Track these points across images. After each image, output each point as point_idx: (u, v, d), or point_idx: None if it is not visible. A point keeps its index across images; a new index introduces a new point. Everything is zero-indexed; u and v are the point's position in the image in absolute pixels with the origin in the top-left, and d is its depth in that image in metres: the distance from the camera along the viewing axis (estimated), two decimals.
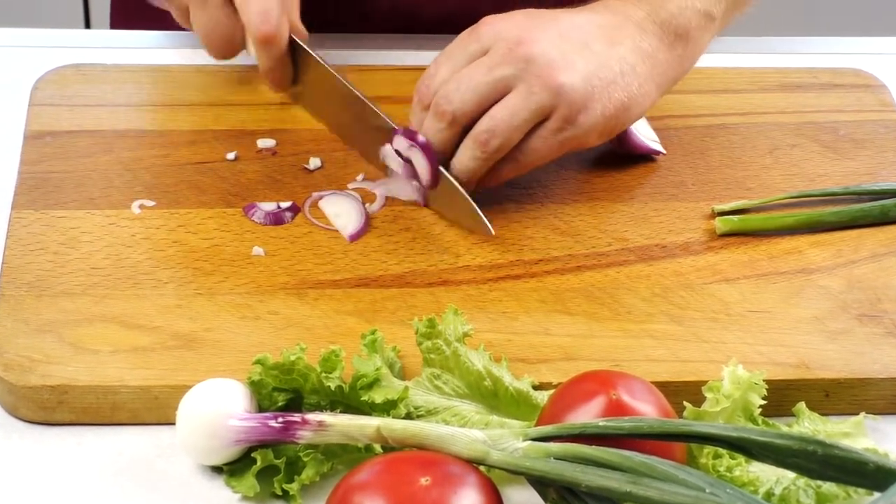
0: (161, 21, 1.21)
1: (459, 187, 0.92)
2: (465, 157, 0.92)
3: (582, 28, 0.92)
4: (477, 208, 0.91)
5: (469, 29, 0.93)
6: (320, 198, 0.95)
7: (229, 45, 0.97)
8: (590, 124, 0.91)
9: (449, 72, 0.92)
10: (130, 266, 0.89)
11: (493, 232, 0.91)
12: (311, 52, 0.97)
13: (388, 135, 0.95)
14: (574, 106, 0.90)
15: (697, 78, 1.13)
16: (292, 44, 0.97)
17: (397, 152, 0.94)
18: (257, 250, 0.91)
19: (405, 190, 0.96)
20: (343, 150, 1.01)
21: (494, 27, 0.92)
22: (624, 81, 0.92)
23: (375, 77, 1.07)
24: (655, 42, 0.94)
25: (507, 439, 0.72)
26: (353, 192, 0.96)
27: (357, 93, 0.96)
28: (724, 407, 0.78)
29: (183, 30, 0.97)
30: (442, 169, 0.92)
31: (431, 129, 0.92)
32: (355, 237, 0.93)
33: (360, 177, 0.98)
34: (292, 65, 0.98)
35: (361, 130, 0.98)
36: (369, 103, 0.95)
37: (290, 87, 1.00)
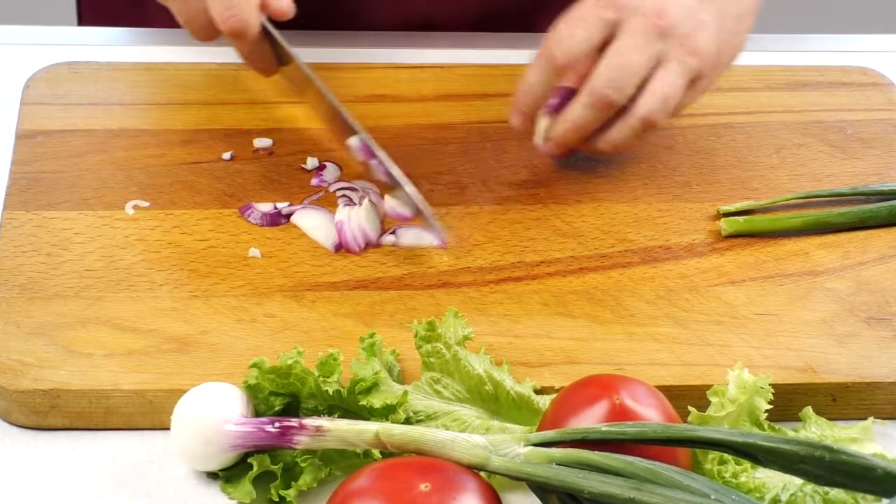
0: (130, 15, 1.21)
1: (415, 193, 0.92)
2: (621, 135, 0.94)
3: None
4: (430, 215, 0.92)
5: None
6: (291, 212, 0.95)
7: (209, 30, 0.97)
8: (720, 73, 0.97)
9: (585, 39, 0.92)
10: (124, 268, 0.89)
11: (445, 242, 0.92)
12: (282, 42, 0.97)
13: (350, 131, 0.96)
14: (714, 65, 0.95)
15: None
16: (267, 29, 0.97)
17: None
18: (254, 252, 0.91)
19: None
20: (341, 149, 1.01)
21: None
22: (737, 27, 0.97)
23: (373, 74, 1.07)
24: None
25: (509, 444, 0.72)
26: (320, 207, 0.96)
27: (323, 89, 0.97)
28: (729, 411, 0.78)
29: (175, 26, 0.97)
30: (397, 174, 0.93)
31: (590, 116, 0.93)
32: (339, 248, 0.92)
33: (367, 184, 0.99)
34: (272, 48, 0.98)
35: (334, 119, 0.99)
36: (333, 101, 0.96)
37: (275, 70, 1.00)
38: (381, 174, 0.94)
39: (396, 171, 0.93)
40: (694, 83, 0.95)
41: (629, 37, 0.92)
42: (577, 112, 0.93)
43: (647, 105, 0.93)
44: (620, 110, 0.93)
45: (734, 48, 0.98)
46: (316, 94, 0.98)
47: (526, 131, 0.96)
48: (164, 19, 1.01)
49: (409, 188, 0.92)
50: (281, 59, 0.99)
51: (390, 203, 0.94)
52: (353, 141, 0.96)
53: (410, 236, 0.93)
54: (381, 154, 0.93)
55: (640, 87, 0.92)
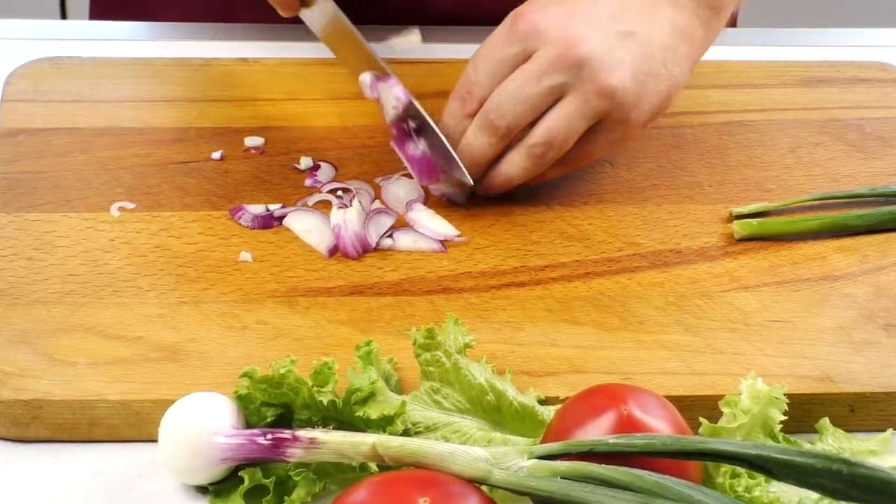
0: (143, 11, 1.21)
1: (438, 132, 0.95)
2: (516, 167, 0.94)
3: (620, 13, 0.93)
4: (454, 154, 0.94)
5: (505, 26, 0.94)
6: (284, 214, 0.95)
7: None
8: (641, 121, 0.94)
9: (490, 77, 0.93)
10: (109, 272, 0.89)
11: (470, 182, 0.94)
12: None
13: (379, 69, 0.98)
14: (627, 107, 0.92)
15: (714, 72, 1.13)
16: None
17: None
18: (244, 255, 0.91)
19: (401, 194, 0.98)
20: (336, 148, 1.01)
21: (534, 25, 0.92)
22: (667, 71, 0.94)
23: None
24: (691, 19, 0.95)
25: (511, 457, 0.72)
26: (314, 209, 0.96)
27: (356, 33, 0.99)
28: (742, 423, 0.78)
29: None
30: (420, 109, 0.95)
31: (479, 142, 0.94)
32: (333, 252, 0.93)
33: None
34: None
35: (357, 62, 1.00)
36: (365, 45, 0.99)
37: (296, 8, 1.01)
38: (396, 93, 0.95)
39: (421, 110, 0.95)
40: (604, 127, 0.93)
41: (531, 64, 0.92)
42: (469, 138, 0.94)
43: (532, 137, 0.92)
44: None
45: (658, 95, 0.93)
46: (340, 31, 1.00)
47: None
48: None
49: (434, 125, 0.94)
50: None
51: (413, 150, 0.94)
52: (365, 77, 0.97)
53: (408, 239, 0.94)
54: (399, 91, 0.95)
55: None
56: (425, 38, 1.11)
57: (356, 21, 1.00)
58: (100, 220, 0.93)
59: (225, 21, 1.18)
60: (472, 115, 0.94)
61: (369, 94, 0.98)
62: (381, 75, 0.98)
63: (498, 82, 0.93)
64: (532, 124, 0.93)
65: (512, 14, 0.94)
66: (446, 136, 0.95)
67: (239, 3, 1.20)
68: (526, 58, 0.92)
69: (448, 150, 0.94)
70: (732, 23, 1.33)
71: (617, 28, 0.92)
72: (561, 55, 0.90)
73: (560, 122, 0.92)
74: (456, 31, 1.15)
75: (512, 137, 0.93)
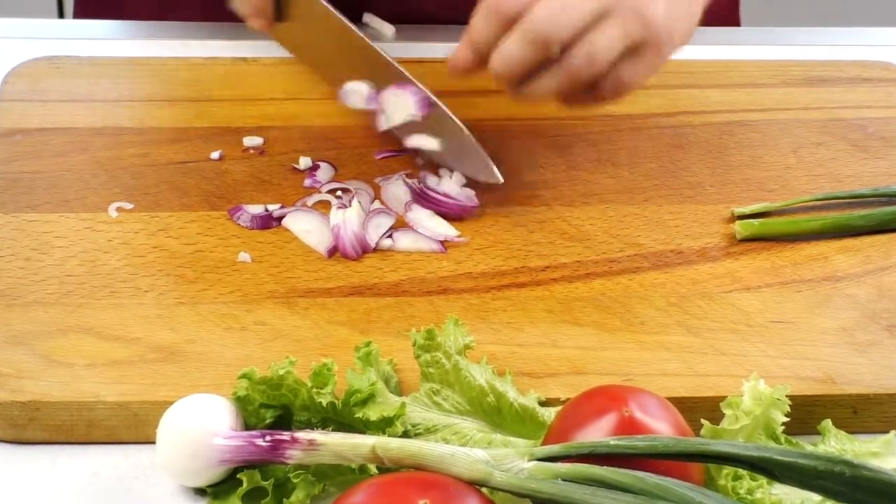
0: (121, 11, 1.21)
1: (458, 121, 0.94)
2: (550, 83, 0.92)
3: None
4: (481, 149, 0.93)
5: None
6: (283, 215, 0.95)
7: None
8: (669, 54, 0.95)
9: None
10: (107, 273, 0.89)
11: (501, 179, 0.93)
12: None
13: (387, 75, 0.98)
14: (661, 39, 0.93)
15: (716, 71, 1.13)
16: None
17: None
18: (243, 256, 0.91)
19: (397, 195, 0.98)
20: (335, 148, 1.01)
21: None
22: (690, 10, 0.96)
23: None
24: None
25: (512, 459, 0.72)
26: (313, 209, 0.96)
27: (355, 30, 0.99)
28: (744, 424, 0.78)
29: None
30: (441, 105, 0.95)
31: (520, 51, 0.91)
32: (332, 252, 0.93)
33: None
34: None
35: (349, 68, 1.00)
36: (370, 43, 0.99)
37: (271, 24, 1.01)
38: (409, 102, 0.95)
39: (428, 94, 0.94)
40: (638, 53, 0.93)
41: None
42: (508, 46, 0.91)
43: (573, 52, 0.91)
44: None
45: (685, 31, 0.96)
46: (320, 48, 1.00)
47: (466, 71, 0.94)
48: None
49: (460, 123, 0.94)
50: (280, 13, 1.00)
51: (415, 140, 0.95)
52: (361, 87, 0.97)
53: (408, 240, 0.94)
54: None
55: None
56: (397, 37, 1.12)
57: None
58: (98, 221, 0.93)
59: (196, 18, 1.18)
60: (506, 29, 0.91)
61: (362, 105, 0.97)
62: (399, 82, 0.97)
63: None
64: (568, 47, 0.91)
65: None
66: (476, 46, 0.92)
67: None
68: None
69: (477, 149, 0.94)
70: (736, 22, 1.33)
71: None
72: None
73: (602, 40, 0.91)
74: (432, 29, 1.15)
75: (550, 53, 0.91)
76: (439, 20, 1.17)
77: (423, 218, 0.95)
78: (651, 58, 0.93)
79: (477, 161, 0.96)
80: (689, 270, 0.93)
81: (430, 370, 0.81)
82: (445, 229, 0.95)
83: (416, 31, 1.16)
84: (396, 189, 0.98)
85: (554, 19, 0.90)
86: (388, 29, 1.13)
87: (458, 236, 0.94)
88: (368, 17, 1.15)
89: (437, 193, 0.96)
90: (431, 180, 0.98)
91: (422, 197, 0.96)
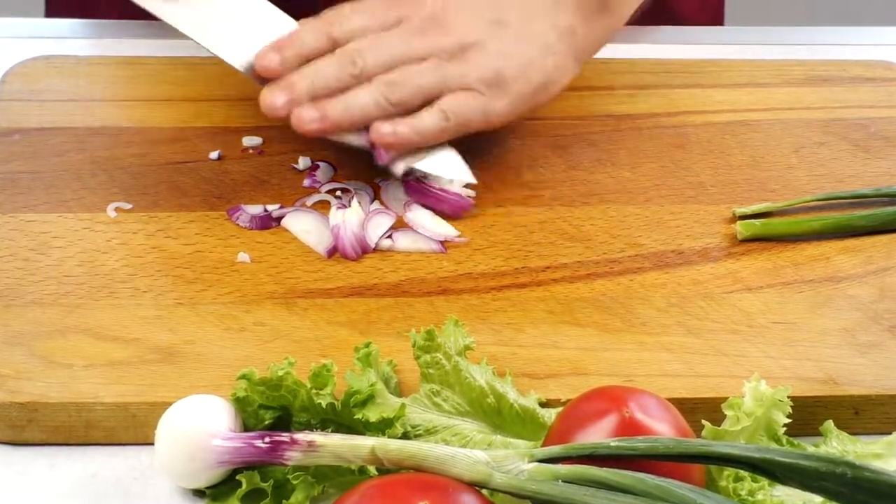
0: (95, 10, 1.21)
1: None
2: (355, 103, 0.93)
3: (500, 3, 0.96)
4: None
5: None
6: (282, 215, 0.95)
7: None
8: (507, 107, 0.95)
9: (360, 25, 0.94)
10: (106, 274, 0.89)
11: (474, 179, 0.94)
12: None
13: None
14: (487, 86, 0.94)
15: (717, 71, 1.13)
16: None
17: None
18: (242, 257, 0.91)
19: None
20: (335, 148, 1.01)
21: (410, 4, 0.95)
22: (541, 62, 0.96)
23: None
24: (572, 17, 0.98)
25: (512, 461, 0.72)
26: (312, 210, 0.96)
27: None
28: (745, 425, 0.78)
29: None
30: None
31: (332, 69, 0.93)
32: (332, 253, 0.93)
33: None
34: None
35: None
36: None
37: None
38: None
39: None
40: (475, 90, 0.94)
41: (401, 29, 0.94)
42: (321, 65, 0.93)
43: (390, 74, 0.93)
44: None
45: (533, 83, 0.96)
46: None
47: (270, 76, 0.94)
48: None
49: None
50: None
51: (402, 166, 0.95)
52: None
53: (408, 240, 0.94)
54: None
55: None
56: None
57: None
58: (96, 221, 0.94)
59: None
60: (333, 41, 0.93)
61: (360, 143, 0.96)
62: None
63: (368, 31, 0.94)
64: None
65: None
66: (292, 41, 0.93)
67: None
68: (398, 22, 0.95)
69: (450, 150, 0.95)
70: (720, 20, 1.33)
71: (492, 14, 0.95)
72: (428, 30, 0.94)
73: (411, 73, 0.93)
74: None
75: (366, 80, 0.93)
76: None
77: (423, 218, 0.95)
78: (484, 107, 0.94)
79: (450, 161, 0.96)
80: (691, 271, 0.93)
81: (430, 371, 0.81)
82: (445, 229, 0.95)
83: None
84: (396, 189, 0.98)
85: (374, 50, 0.93)
86: None
87: (458, 236, 0.95)
88: None
89: (434, 188, 0.96)
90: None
91: (417, 191, 0.96)
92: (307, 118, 0.91)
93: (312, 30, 0.95)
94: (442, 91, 0.94)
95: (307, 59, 0.94)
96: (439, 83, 0.94)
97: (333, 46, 0.94)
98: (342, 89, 0.93)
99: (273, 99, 0.92)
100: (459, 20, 0.95)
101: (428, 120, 0.93)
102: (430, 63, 0.94)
